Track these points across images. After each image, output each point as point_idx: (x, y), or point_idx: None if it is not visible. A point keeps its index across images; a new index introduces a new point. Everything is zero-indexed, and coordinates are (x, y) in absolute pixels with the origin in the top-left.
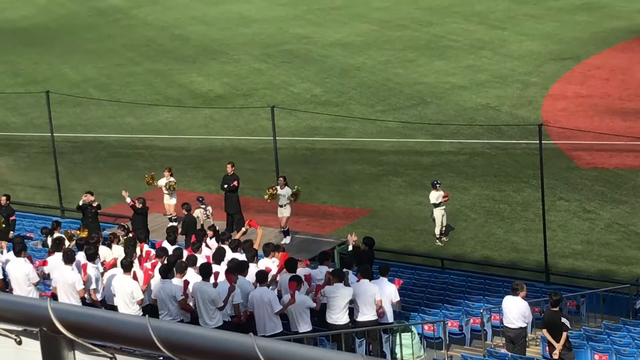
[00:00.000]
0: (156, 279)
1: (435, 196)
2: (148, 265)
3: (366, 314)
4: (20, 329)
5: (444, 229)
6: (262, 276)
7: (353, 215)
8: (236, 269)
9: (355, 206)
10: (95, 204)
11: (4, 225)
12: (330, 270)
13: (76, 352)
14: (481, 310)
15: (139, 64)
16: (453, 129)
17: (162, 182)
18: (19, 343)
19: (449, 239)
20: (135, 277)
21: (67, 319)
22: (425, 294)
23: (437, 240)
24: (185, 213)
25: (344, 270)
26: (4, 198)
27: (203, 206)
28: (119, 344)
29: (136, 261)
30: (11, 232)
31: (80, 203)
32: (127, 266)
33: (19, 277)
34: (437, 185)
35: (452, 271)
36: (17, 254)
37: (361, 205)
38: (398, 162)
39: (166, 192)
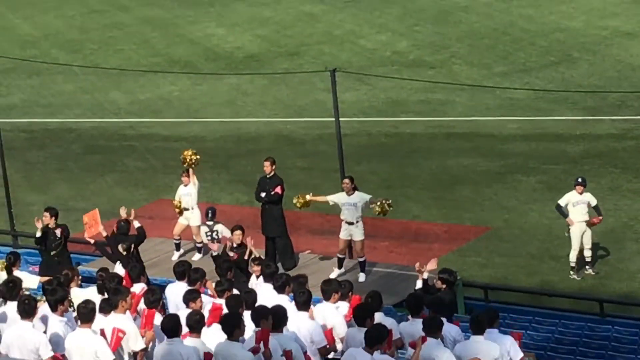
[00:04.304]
0: (159, 338)
1: (574, 199)
2: (122, 322)
3: None
4: None
5: (589, 253)
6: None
7: (460, 235)
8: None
9: (465, 222)
10: (57, 230)
11: None
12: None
13: None
14: None
15: (127, 10)
16: (615, 99)
17: (180, 191)
18: None
19: (600, 270)
20: (102, 334)
21: None
22: (575, 356)
23: (572, 272)
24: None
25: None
26: None
27: (210, 223)
28: None
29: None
30: None
31: (38, 234)
32: (85, 315)
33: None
34: (581, 184)
35: (618, 320)
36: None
37: (473, 220)
38: (530, 153)
39: (185, 206)
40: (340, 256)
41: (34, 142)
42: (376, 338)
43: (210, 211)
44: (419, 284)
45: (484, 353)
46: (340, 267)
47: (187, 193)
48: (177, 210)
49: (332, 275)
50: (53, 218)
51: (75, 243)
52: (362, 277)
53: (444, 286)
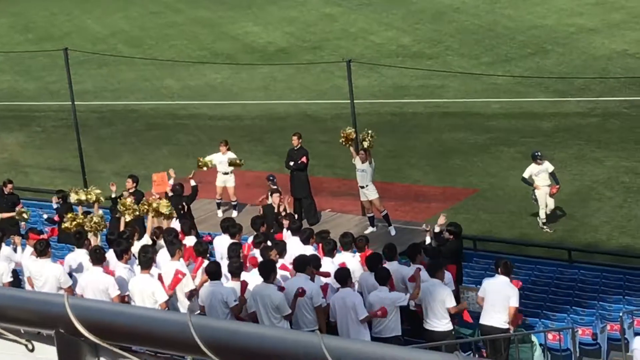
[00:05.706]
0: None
1: (535, 170)
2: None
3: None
4: (32, 331)
5: (550, 212)
6: (343, 276)
7: (453, 196)
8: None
9: (457, 185)
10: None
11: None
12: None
13: (101, 358)
14: (621, 314)
15: (180, 12)
16: (580, 84)
17: (217, 158)
18: (31, 350)
19: (568, 224)
20: (160, 279)
21: (89, 318)
22: (548, 295)
23: (545, 226)
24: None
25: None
26: (10, 186)
27: (275, 187)
28: (153, 348)
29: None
30: (23, 223)
31: (113, 195)
32: (145, 262)
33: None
34: (538, 157)
35: (583, 265)
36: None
37: (464, 183)
38: (510, 128)
39: (223, 170)
40: (369, 215)
41: (103, 121)
42: (380, 278)
43: (272, 177)
44: (427, 240)
45: (506, 292)
46: (372, 225)
47: (223, 161)
48: (200, 165)
49: (367, 232)
50: (134, 184)
51: None
52: (392, 230)
53: (451, 237)
